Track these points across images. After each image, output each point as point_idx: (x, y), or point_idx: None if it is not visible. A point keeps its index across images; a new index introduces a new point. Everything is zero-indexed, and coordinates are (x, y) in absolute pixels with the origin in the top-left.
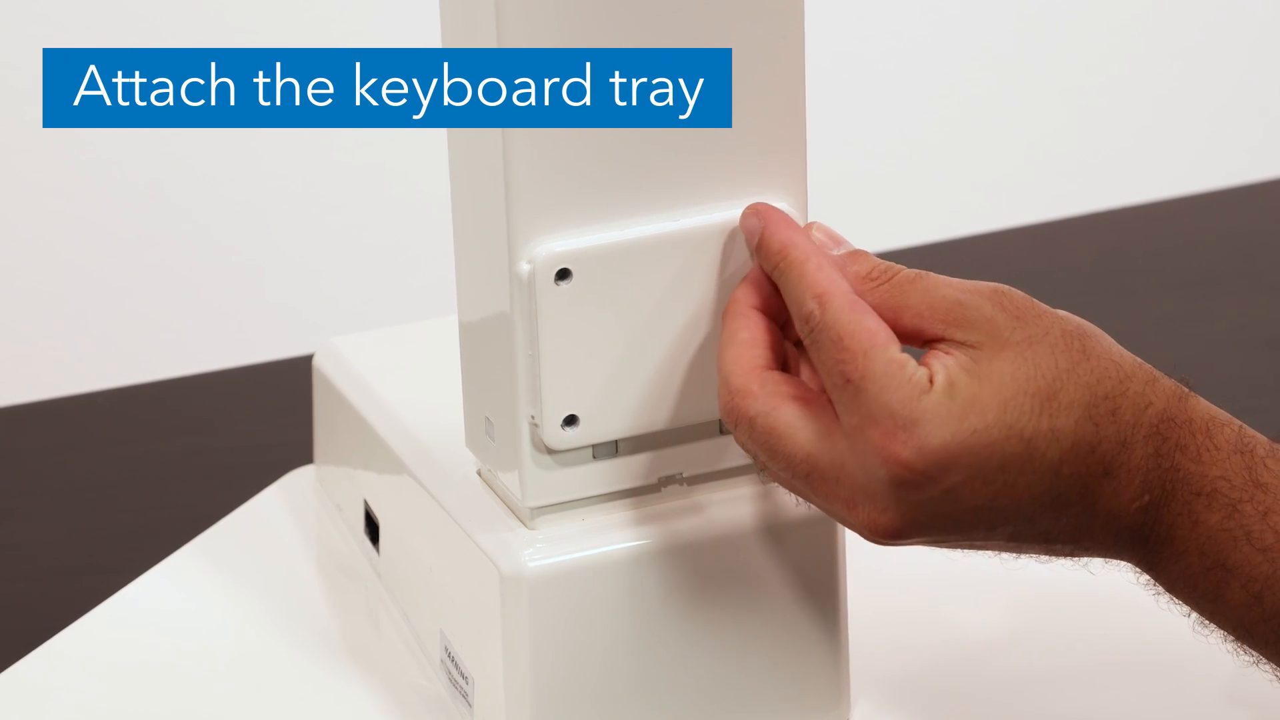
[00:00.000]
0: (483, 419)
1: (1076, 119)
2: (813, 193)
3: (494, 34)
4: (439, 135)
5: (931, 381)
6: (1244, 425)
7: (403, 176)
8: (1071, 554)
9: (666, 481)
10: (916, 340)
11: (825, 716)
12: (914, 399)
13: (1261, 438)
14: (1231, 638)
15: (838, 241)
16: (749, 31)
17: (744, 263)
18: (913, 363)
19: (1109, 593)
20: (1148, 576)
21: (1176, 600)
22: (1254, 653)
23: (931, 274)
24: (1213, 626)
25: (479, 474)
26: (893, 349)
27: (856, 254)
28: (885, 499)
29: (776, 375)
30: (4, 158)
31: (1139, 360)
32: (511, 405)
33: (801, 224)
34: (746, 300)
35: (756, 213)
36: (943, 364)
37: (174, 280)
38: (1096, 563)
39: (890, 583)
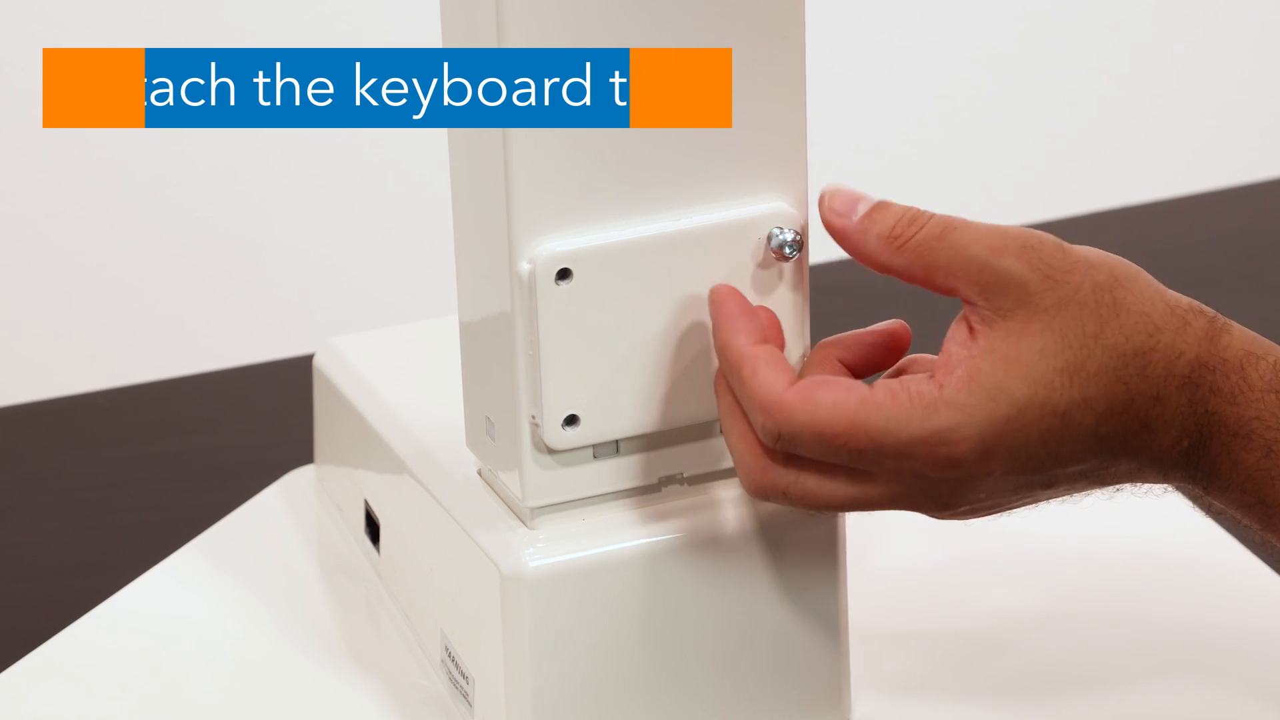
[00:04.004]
0: (483, 419)
1: (1076, 119)
2: (813, 193)
3: (494, 34)
4: (439, 135)
5: (941, 387)
6: None
7: (403, 176)
8: (1132, 483)
9: (667, 481)
10: (952, 295)
11: (825, 716)
12: (931, 415)
13: None
14: None
15: (853, 204)
16: (749, 31)
17: (744, 262)
18: (901, 384)
19: (1111, 590)
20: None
21: (1233, 522)
22: None
23: (958, 226)
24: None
25: (479, 474)
26: (868, 397)
27: (876, 210)
28: (944, 494)
29: (781, 457)
30: (5, 157)
31: (1170, 304)
32: (512, 405)
33: (803, 222)
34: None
35: (711, 300)
36: (960, 355)
37: (174, 281)
38: (1135, 505)
39: (891, 582)
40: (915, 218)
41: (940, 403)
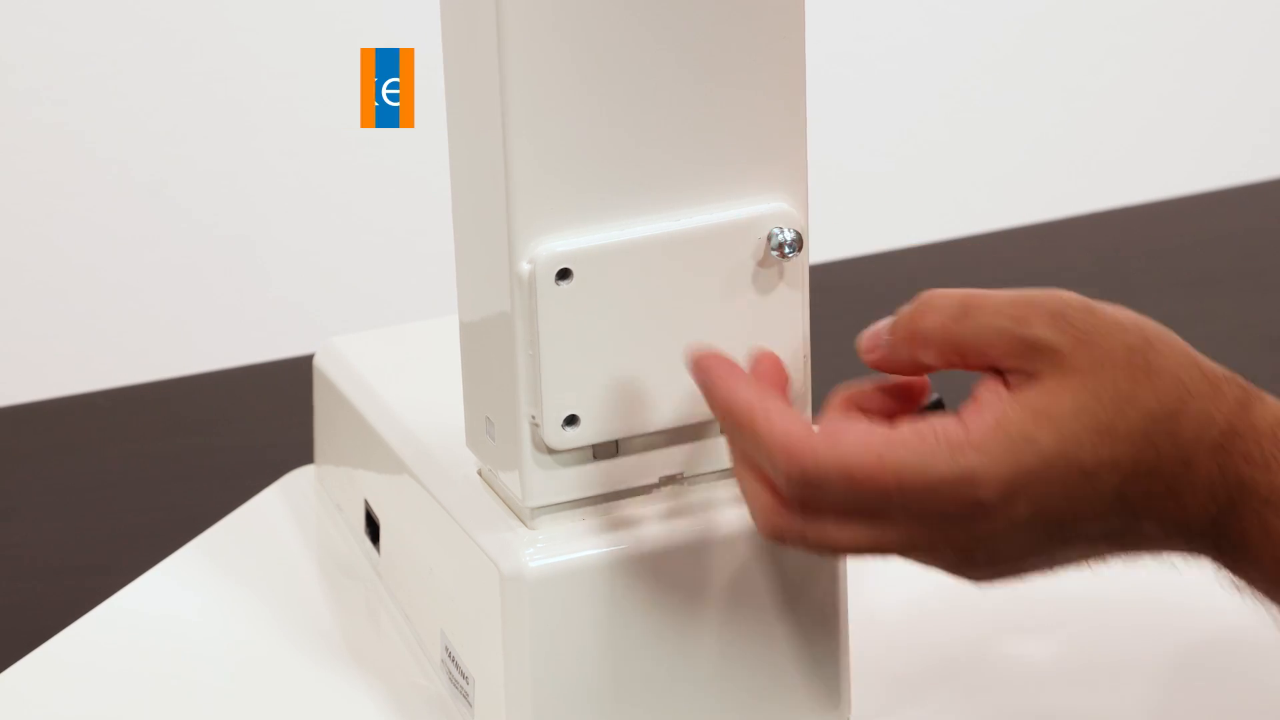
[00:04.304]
0: (483, 419)
1: (1076, 119)
2: (813, 193)
3: (494, 33)
4: (440, 135)
5: (968, 429)
6: None
7: (403, 177)
8: (1154, 553)
9: (667, 481)
10: (989, 370)
11: (825, 716)
12: (957, 455)
13: None
14: None
15: (877, 336)
16: (749, 31)
17: (744, 263)
18: (927, 425)
19: (1115, 591)
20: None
21: (1259, 598)
22: None
23: (976, 304)
24: None
25: (479, 474)
26: (892, 435)
27: (895, 325)
28: (963, 539)
29: (799, 504)
30: (5, 157)
31: (1203, 369)
32: (512, 405)
33: (803, 224)
34: (741, 458)
35: (695, 364)
36: (990, 399)
37: (174, 280)
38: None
39: (891, 582)
40: (927, 304)
41: (967, 445)
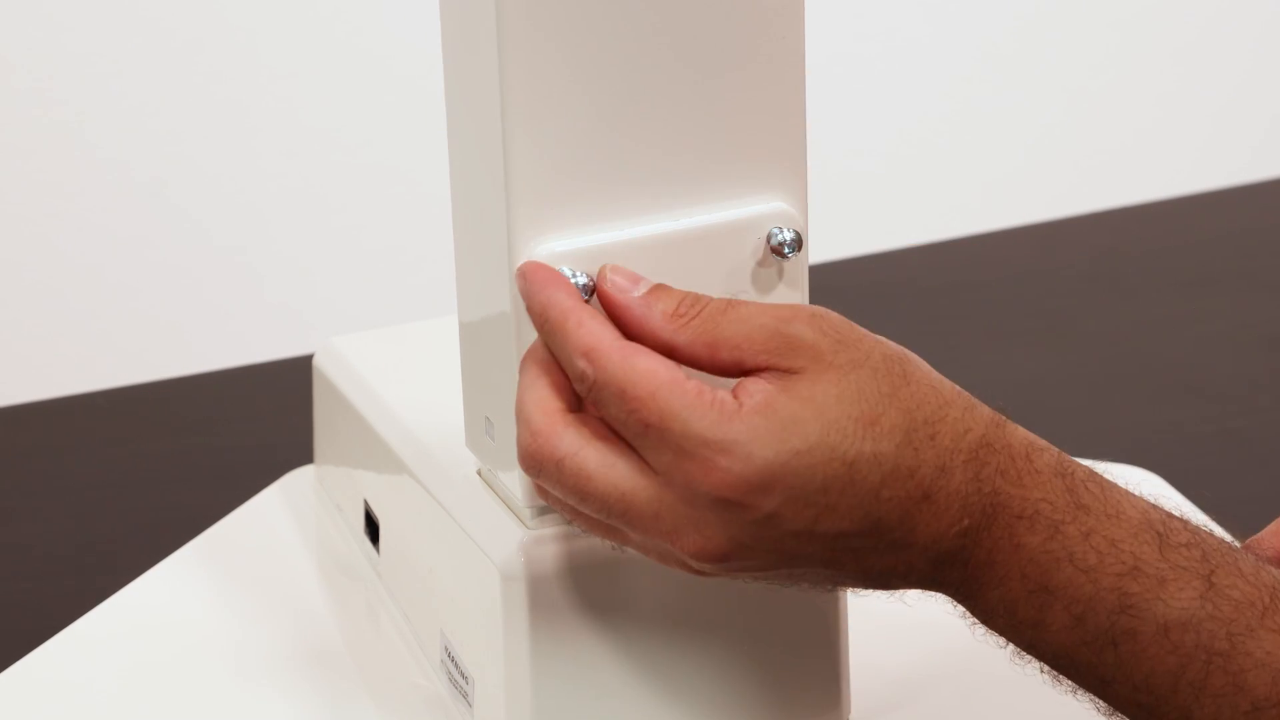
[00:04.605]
0: (483, 419)
1: (1076, 119)
2: (813, 193)
3: (493, 33)
4: (439, 134)
5: (741, 404)
6: (1062, 451)
7: (403, 176)
8: (888, 584)
9: None
10: (736, 373)
11: (825, 716)
12: (724, 422)
13: (1080, 463)
14: (1049, 668)
15: (635, 281)
16: (749, 31)
17: (744, 263)
18: (709, 388)
19: None
20: (964, 609)
21: (993, 633)
22: (1071, 682)
23: (743, 302)
24: (1029, 657)
25: (479, 474)
26: (679, 380)
27: (658, 291)
28: (710, 524)
29: (580, 417)
30: (5, 157)
31: (957, 387)
32: (511, 405)
33: (802, 224)
34: (545, 349)
35: (521, 274)
36: (758, 386)
37: (174, 280)
38: (913, 594)
39: None
40: (697, 299)
41: (737, 416)
